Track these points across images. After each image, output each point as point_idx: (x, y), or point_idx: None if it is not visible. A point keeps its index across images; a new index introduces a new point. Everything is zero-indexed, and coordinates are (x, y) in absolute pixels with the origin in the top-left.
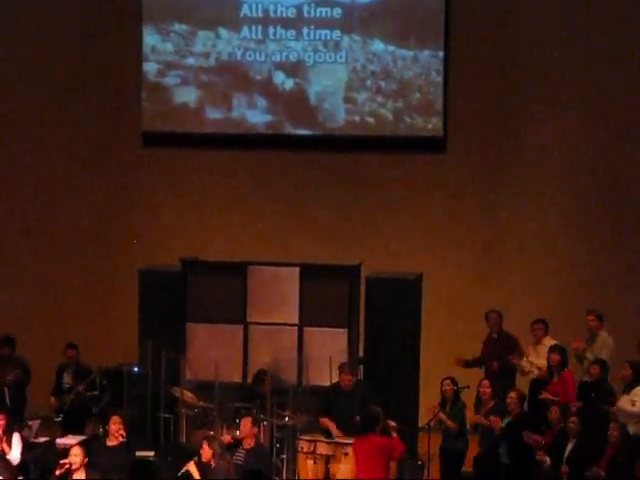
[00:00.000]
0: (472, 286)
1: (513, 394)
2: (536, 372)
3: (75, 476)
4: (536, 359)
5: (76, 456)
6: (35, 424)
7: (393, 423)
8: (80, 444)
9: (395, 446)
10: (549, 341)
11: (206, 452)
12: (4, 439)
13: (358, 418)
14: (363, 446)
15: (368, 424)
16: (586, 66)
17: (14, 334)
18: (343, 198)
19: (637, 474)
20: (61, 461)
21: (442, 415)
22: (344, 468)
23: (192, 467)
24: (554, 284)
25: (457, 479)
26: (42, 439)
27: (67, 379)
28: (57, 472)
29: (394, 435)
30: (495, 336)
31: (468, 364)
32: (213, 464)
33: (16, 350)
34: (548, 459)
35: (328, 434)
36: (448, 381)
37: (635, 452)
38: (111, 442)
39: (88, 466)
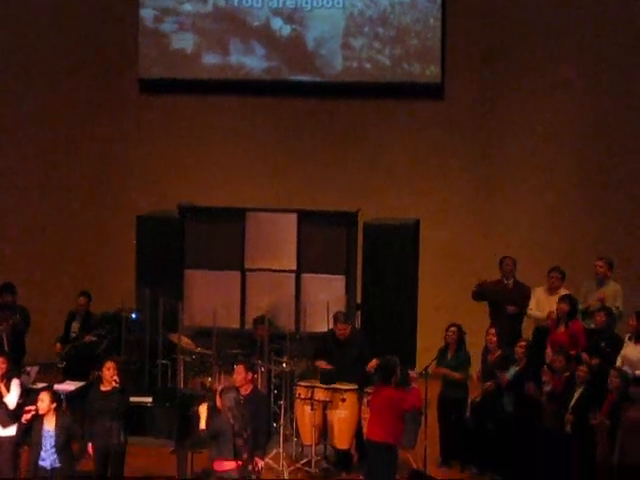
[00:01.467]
0: (470, 231)
1: (522, 343)
2: (538, 315)
3: (45, 421)
4: (549, 307)
5: (42, 401)
6: (33, 370)
7: (413, 373)
8: (48, 389)
9: (407, 399)
10: (564, 291)
11: (225, 401)
12: (3, 383)
13: (373, 369)
14: (376, 398)
15: (383, 375)
16: (586, 9)
17: (14, 282)
18: (341, 144)
19: (625, 420)
20: (26, 407)
21: (443, 370)
22: (341, 414)
23: (203, 411)
24: (557, 228)
25: (456, 426)
26: (40, 385)
27: (75, 327)
28: (24, 419)
29: (413, 386)
30: (510, 283)
31: (483, 285)
32: (223, 414)
33: (17, 298)
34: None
35: (324, 374)
36: (454, 328)
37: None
38: (105, 387)
39: (58, 410)
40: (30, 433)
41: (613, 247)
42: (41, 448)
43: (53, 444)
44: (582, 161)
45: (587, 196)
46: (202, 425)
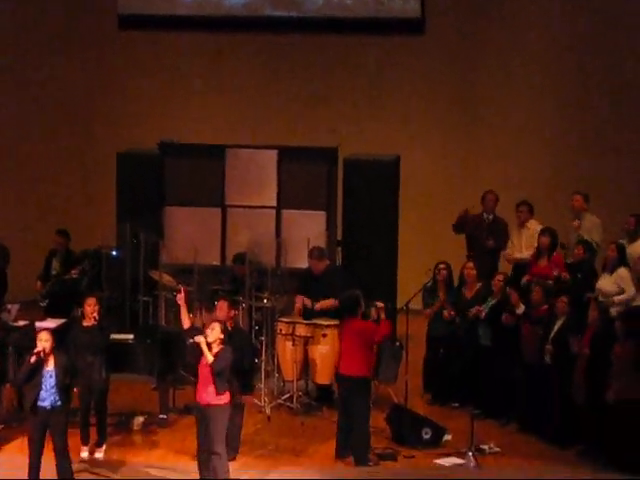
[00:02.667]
0: (451, 167)
1: (500, 277)
2: (519, 257)
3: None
4: (518, 242)
5: (46, 341)
6: (14, 308)
7: (381, 304)
8: (47, 329)
9: (377, 329)
10: (533, 224)
11: (215, 333)
12: None
13: (340, 303)
14: (344, 330)
15: (347, 308)
16: None
17: None
18: (321, 80)
19: (613, 358)
20: (35, 350)
21: (443, 301)
22: (322, 349)
23: (203, 342)
24: (536, 166)
25: (437, 360)
26: (22, 322)
27: (55, 265)
28: (32, 360)
29: (382, 317)
30: (489, 218)
31: (464, 217)
32: (217, 347)
33: None
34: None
35: (306, 310)
36: (443, 265)
37: (614, 335)
38: (86, 323)
39: (54, 350)
40: (32, 375)
41: (594, 181)
42: (41, 388)
43: (54, 384)
44: (563, 92)
45: (568, 130)
46: (210, 358)
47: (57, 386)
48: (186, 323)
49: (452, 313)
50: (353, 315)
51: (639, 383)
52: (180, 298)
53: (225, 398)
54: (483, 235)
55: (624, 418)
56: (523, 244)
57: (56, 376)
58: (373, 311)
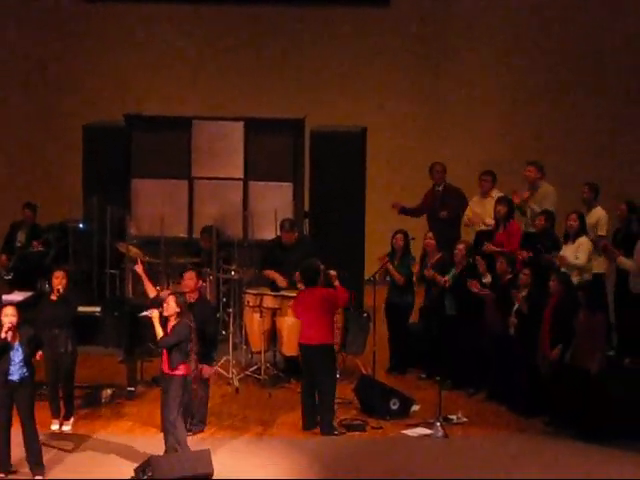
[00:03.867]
0: (416, 138)
1: (461, 246)
2: (482, 225)
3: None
4: (482, 211)
5: (13, 316)
6: None
7: (333, 272)
8: (12, 303)
9: (338, 295)
10: (497, 193)
11: (171, 307)
12: None
13: (297, 273)
14: (305, 299)
15: (307, 278)
16: None
17: None
18: (287, 52)
19: (576, 325)
20: (6, 325)
21: (390, 267)
22: (290, 321)
23: (155, 316)
24: (498, 136)
25: (403, 331)
26: None
27: (21, 238)
28: (3, 335)
29: (336, 284)
30: (440, 189)
31: (404, 210)
32: (174, 321)
33: None
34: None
35: (274, 285)
36: (400, 235)
37: (577, 302)
38: (53, 296)
39: (20, 323)
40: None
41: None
42: (9, 363)
43: (21, 357)
44: (526, 62)
45: (529, 101)
46: (159, 332)
47: (24, 360)
48: (151, 293)
49: (401, 279)
50: (314, 284)
51: (589, 354)
52: (138, 268)
53: (180, 370)
54: (438, 206)
55: (573, 385)
56: (487, 213)
57: (23, 350)
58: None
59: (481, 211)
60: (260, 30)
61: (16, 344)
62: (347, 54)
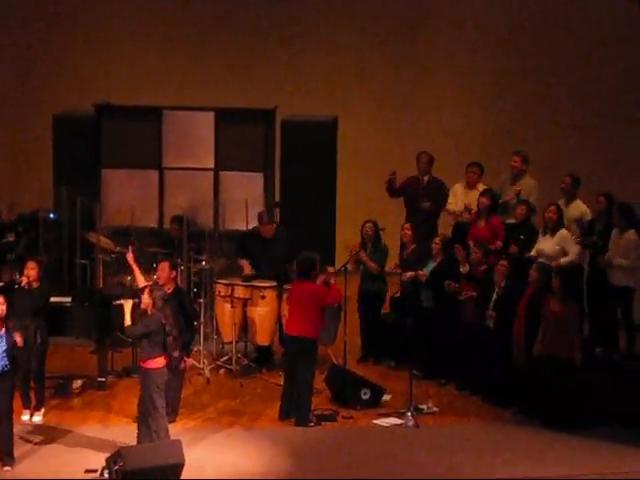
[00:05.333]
0: (388, 128)
1: (437, 240)
2: (466, 216)
3: None
4: (468, 204)
5: (2, 304)
6: None
7: (332, 269)
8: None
9: (328, 293)
10: (482, 186)
11: (147, 300)
12: None
13: (295, 264)
14: (295, 292)
15: (302, 269)
16: None
17: None
18: (257, 41)
19: (548, 313)
20: None
21: (363, 255)
22: (261, 311)
23: (127, 306)
24: (472, 128)
25: (376, 321)
26: None
27: None
28: None
29: (332, 282)
30: (425, 179)
31: (390, 184)
32: (150, 312)
33: None
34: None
35: (246, 276)
36: (370, 224)
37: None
38: (26, 286)
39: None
40: None
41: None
42: None
43: (4, 349)
44: (501, 52)
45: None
46: (127, 321)
47: (7, 351)
48: (140, 282)
49: (375, 267)
50: (306, 277)
51: (564, 342)
52: (129, 257)
53: (153, 363)
54: (419, 197)
55: (545, 374)
56: (473, 205)
57: (6, 341)
58: (323, 276)
59: (467, 203)
60: (229, 20)
61: (2, 332)
62: (317, 42)
